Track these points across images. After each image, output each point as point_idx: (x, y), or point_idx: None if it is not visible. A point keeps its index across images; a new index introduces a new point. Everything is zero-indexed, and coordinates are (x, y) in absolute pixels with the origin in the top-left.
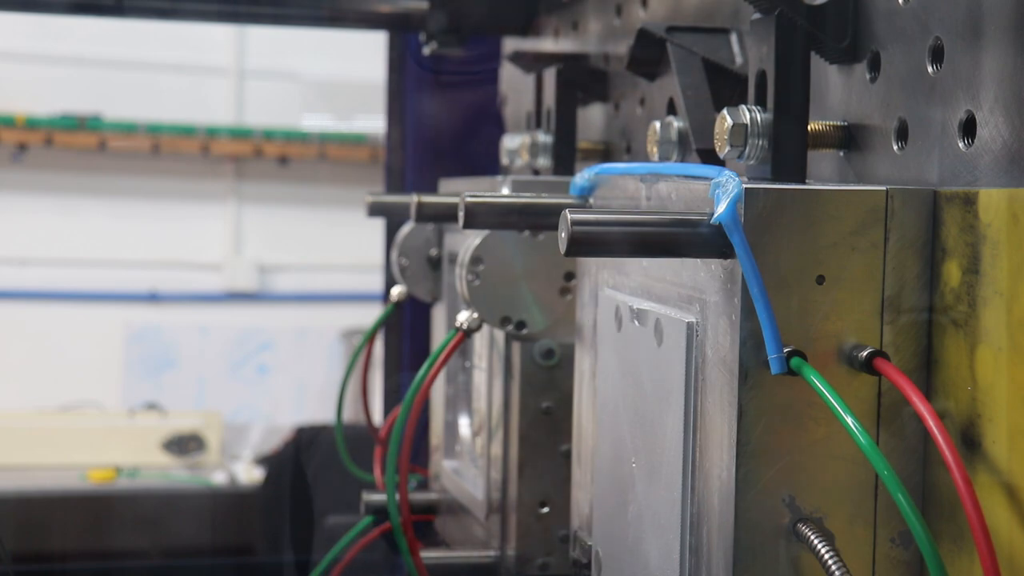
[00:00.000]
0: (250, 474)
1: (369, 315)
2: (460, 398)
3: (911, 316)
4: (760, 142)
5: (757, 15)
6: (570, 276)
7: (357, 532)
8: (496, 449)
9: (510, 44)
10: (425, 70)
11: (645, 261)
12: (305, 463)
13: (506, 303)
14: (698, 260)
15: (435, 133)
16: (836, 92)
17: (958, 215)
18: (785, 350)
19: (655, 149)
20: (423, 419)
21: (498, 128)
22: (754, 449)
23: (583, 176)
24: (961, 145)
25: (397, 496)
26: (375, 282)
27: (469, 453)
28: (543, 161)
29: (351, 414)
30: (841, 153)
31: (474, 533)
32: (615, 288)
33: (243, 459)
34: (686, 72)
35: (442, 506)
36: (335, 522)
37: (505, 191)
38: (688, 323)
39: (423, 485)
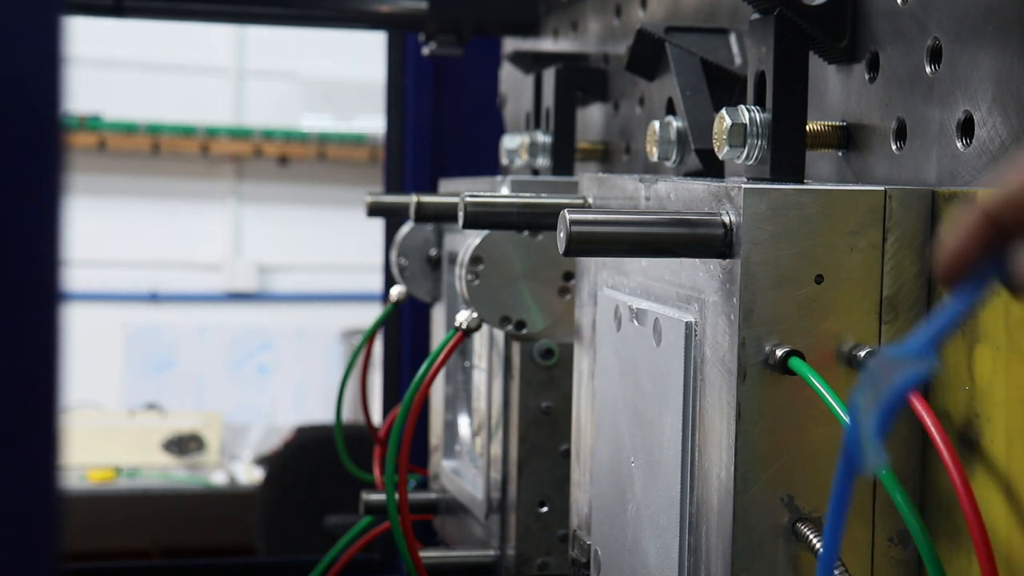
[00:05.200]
0: (250, 474)
1: (369, 315)
2: (460, 398)
3: (909, 316)
4: (759, 142)
5: (756, 15)
6: (570, 276)
7: (356, 532)
8: (496, 449)
9: (510, 44)
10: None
11: (644, 261)
12: (305, 463)
13: (506, 303)
14: (697, 260)
15: (435, 133)
16: (835, 92)
17: (956, 215)
18: (783, 350)
19: (654, 149)
20: (423, 419)
21: (498, 128)
22: (752, 449)
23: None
24: (959, 145)
25: (396, 496)
26: (375, 282)
27: (469, 453)
28: (542, 161)
29: (351, 414)
30: (840, 153)
31: (473, 533)
32: (614, 288)
33: (243, 459)
34: (685, 72)
35: (442, 506)
36: (335, 522)
37: (505, 191)
38: (687, 323)
39: (423, 485)
